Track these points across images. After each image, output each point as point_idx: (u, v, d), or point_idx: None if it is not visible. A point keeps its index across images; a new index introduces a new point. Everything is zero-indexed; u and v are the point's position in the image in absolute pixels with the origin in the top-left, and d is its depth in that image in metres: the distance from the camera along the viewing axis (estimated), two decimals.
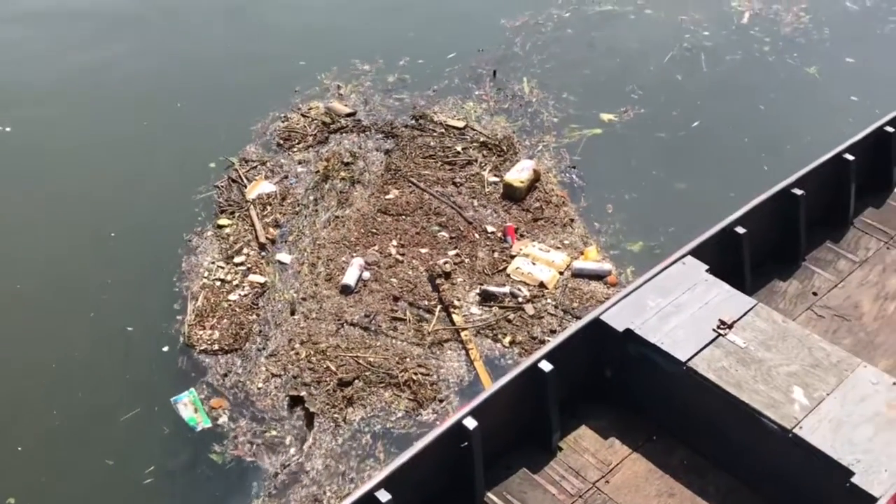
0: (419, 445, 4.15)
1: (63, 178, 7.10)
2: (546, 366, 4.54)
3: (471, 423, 4.24)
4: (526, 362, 4.59)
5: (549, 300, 6.16)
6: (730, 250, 5.36)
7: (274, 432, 5.31)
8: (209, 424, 5.28)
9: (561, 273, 6.35)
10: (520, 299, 6.14)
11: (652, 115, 7.88)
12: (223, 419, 5.35)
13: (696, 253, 5.16)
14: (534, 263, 6.37)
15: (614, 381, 4.88)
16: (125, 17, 9.11)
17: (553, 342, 4.71)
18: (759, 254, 5.53)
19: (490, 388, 4.51)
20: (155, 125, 7.63)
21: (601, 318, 4.77)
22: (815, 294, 5.62)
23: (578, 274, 6.35)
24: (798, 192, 5.63)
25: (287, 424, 5.36)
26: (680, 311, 4.80)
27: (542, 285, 6.25)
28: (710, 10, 9.35)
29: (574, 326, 4.81)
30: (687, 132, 7.73)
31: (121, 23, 9.02)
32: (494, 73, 8.28)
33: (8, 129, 7.60)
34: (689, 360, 4.56)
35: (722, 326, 4.72)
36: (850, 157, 5.92)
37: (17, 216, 6.75)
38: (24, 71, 8.29)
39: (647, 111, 7.92)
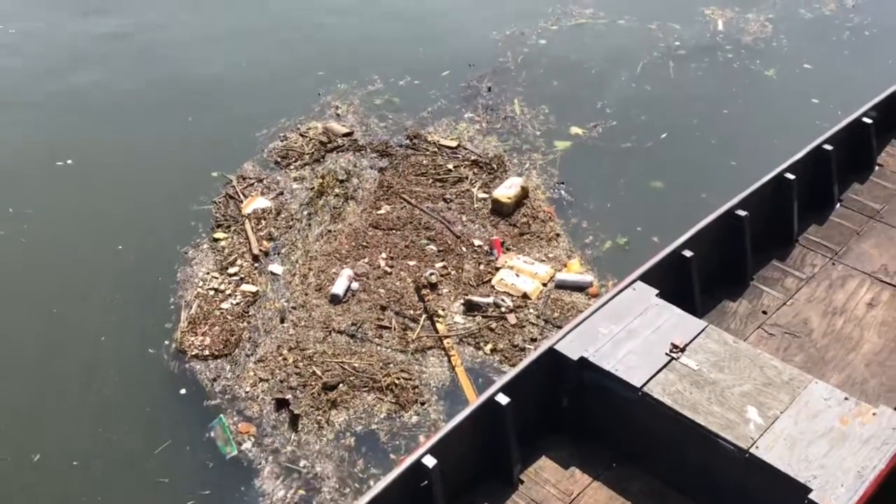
0: (379, 487, 4.11)
1: (69, 188, 7.40)
2: (503, 398, 4.53)
3: (430, 462, 4.23)
4: (482, 396, 4.59)
5: (531, 310, 6.33)
6: (678, 274, 5.43)
7: (268, 440, 5.47)
8: (235, 452, 5.36)
9: (544, 285, 6.53)
10: (503, 309, 6.31)
11: (622, 128, 8.12)
12: (247, 444, 5.42)
13: (646, 278, 5.20)
14: (518, 275, 6.55)
15: (572, 410, 4.88)
16: (127, 37, 9.51)
17: (508, 374, 4.72)
18: (707, 275, 5.60)
19: (447, 424, 4.49)
20: (159, 141, 7.93)
21: (555, 347, 4.78)
22: (764, 313, 5.68)
23: (561, 285, 6.53)
24: (742, 213, 5.71)
25: (274, 425, 5.54)
26: (632, 336, 4.84)
27: (525, 296, 6.42)
28: (682, 19, 9.76)
29: (529, 357, 4.82)
30: (655, 142, 7.95)
31: (125, 42, 9.41)
32: (489, 88, 8.54)
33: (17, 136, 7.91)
34: (643, 385, 4.59)
35: (674, 350, 4.76)
36: (791, 176, 6.02)
37: (24, 225, 7.02)
38: (30, 81, 8.63)
39: (619, 123, 8.18)
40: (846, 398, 4.57)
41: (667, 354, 4.74)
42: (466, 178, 7.55)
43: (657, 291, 5.11)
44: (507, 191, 7.21)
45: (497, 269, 6.66)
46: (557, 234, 6.99)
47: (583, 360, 4.72)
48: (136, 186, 7.40)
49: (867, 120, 6.73)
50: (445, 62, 9.01)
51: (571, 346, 4.78)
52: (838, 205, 6.50)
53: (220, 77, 8.86)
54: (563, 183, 7.50)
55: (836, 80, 8.78)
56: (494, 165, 7.66)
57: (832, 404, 4.52)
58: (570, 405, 4.88)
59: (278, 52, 9.28)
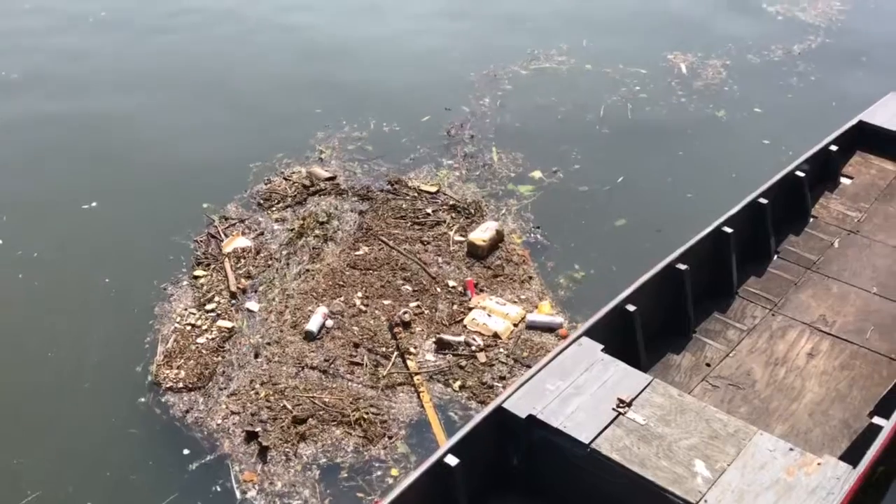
0: None
1: (58, 220, 7.62)
2: (452, 460, 4.54)
3: None
4: (431, 458, 4.58)
5: (501, 349, 6.46)
6: (623, 328, 5.51)
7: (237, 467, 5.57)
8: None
9: (515, 325, 6.66)
10: (473, 348, 6.44)
11: (584, 171, 8.41)
12: (251, 493, 5.42)
13: (591, 333, 5.28)
14: (490, 315, 6.69)
15: (522, 468, 4.89)
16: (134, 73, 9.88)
17: (457, 435, 4.71)
18: (651, 329, 5.70)
19: (396, 488, 4.47)
20: (144, 181, 8.14)
21: (503, 405, 4.81)
22: (708, 365, 5.77)
23: (531, 326, 6.66)
24: (682, 266, 5.83)
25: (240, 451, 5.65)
26: (580, 392, 4.88)
27: (496, 335, 6.55)
28: (647, 64, 10.24)
29: (477, 417, 4.84)
30: (613, 186, 8.22)
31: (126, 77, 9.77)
32: (472, 136, 8.81)
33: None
34: (592, 441, 4.62)
35: (621, 405, 4.81)
36: (728, 229, 6.16)
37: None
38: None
39: (581, 167, 8.48)
40: (791, 449, 4.65)
41: (614, 410, 4.79)
42: (444, 221, 7.73)
43: (602, 346, 5.18)
44: (482, 234, 7.38)
45: (470, 309, 6.79)
46: (530, 277, 7.15)
47: (531, 417, 4.74)
48: (119, 224, 7.57)
49: (800, 173, 6.92)
50: (425, 107, 9.31)
51: (519, 404, 4.81)
52: (776, 257, 6.66)
53: (204, 121, 9.11)
54: (538, 227, 7.68)
55: (785, 123, 9.15)
56: (472, 210, 7.84)
57: (777, 455, 4.58)
58: (519, 464, 4.89)
59: (266, 97, 9.55)
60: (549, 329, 6.64)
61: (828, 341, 5.97)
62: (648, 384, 4.95)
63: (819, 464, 4.55)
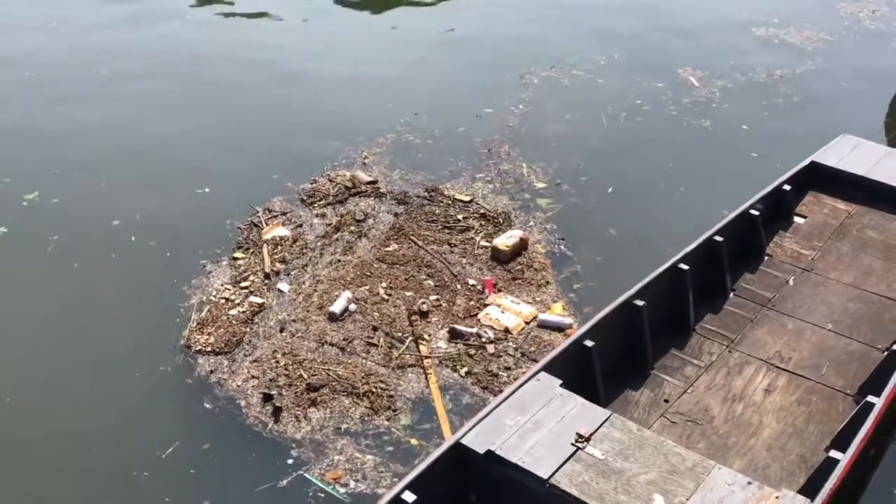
0: None
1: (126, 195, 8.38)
2: (409, 496, 4.51)
3: None
4: (387, 495, 4.54)
5: (510, 343, 6.82)
6: (581, 364, 5.55)
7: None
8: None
9: (527, 322, 7.02)
10: (484, 339, 6.82)
11: (611, 187, 8.81)
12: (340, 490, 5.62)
13: (549, 368, 5.31)
14: (503, 312, 7.07)
15: None
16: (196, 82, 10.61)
17: (414, 471, 4.67)
18: (609, 365, 5.73)
19: None
20: (204, 172, 8.82)
21: (461, 441, 4.80)
22: (666, 401, 5.80)
23: (543, 325, 7.01)
24: (639, 302, 5.89)
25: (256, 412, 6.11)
26: (538, 427, 4.88)
27: (507, 330, 6.92)
28: (663, 78, 10.89)
29: (435, 453, 4.81)
30: (641, 201, 8.63)
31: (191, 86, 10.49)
32: (508, 153, 9.26)
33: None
34: (551, 476, 4.63)
35: (580, 440, 4.82)
36: (684, 266, 6.24)
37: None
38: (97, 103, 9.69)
39: (612, 182, 8.91)
40: (749, 482, 4.67)
41: (572, 444, 4.81)
42: (473, 228, 8.15)
43: (561, 382, 5.21)
44: (506, 240, 7.78)
45: (486, 305, 7.18)
46: (547, 282, 7.50)
47: (489, 453, 4.75)
48: (171, 206, 8.21)
49: (754, 212, 7.03)
50: (462, 118, 9.99)
51: (477, 440, 4.81)
52: (732, 294, 6.70)
53: (265, 122, 9.78)
54: (562, 239, 8.04)
55: (770, 139, 9.66)
56: (501, 220, 8.25)
57: (736, 489, 4.61)
58: (478, 500, 4.92)
59: (323, 105, 10.27)
60: (559, 328, 6.97)
61: (784, 377, 6.03)
62: (607, 419, 4.98)
63: (777, 497, 4.58)
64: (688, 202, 8.56)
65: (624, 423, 4.99)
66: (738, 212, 7.03)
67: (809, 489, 4.91)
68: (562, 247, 7.97)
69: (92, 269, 7.42)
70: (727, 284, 6.72)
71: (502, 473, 4.75)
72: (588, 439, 4.85)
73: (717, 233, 6.68)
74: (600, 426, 4.93)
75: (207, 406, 6.17)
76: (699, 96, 10.61)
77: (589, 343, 5.57)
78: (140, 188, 8.50)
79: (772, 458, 5.46)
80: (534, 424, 4.92)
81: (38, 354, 6.58)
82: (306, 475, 5.65)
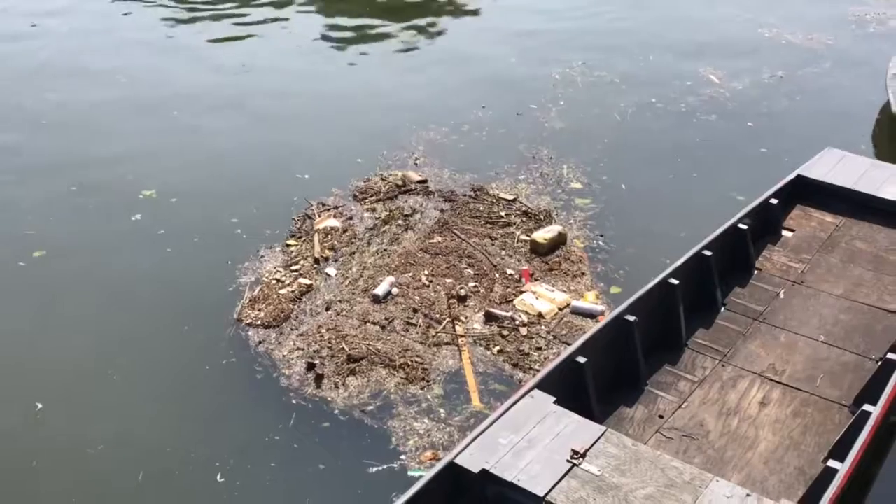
0: None
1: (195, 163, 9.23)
2: None
3: None
4: None
5: (543, 327, 7.15)
6: (574, 381, 5.53)
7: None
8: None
9: (560, 309, 7.34)
10: (517, 322, 7.16)
11: (649, 185, 9.24)
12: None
13: (543, 386, 5.29)
14: (538, 298, 7.41)
15: None
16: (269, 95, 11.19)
17: (409, 491, 4.62)
18: (602, 382, 5.73)
19: None
20: (265, 166, 9.49)
21: (455, 461, 4.76)
22: (660, 417, 5.77)
23: (575, 311, 7.32)
24: (631, 318, 5.90)
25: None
26: (533, 445, 4.85)
27: (540, 315, 7.25)
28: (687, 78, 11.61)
29: (429, 473, 4.75)
30: (677, 200, 9.00)
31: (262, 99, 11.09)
32: (552, 158, 9.63)
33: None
34: (547, 493, 4.59)
35: (575, 456, 4.79)
36: (674, 281, 6.27)
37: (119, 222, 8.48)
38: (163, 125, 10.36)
39: (649, 181, 9.34)
40: (748, 494, 4.66)
41: (568, 461, 4.78)
42: (514, 223, 8.52)
43: (554, 399, 5.20)
44: (545, 233, 8.13)
45: (521, 292, 7.53)
46: (583, 273, 7.82)
47: (484, 472, 4.71)
48: (235, 199, 8.79)
49: (742, 226, 7.08)
50: (504, 120, 10.58)
51: (472, 459, 4.77)
52: (722, 308, 6.73)
53: (322, 127, 10.37)
54: (601, 235, 8.36)
55: (777, 135, 10.19)
56: (542, 217, 8.61)
57: (735, 502, 4.60)
58: None
59: (376, 111, 10.85)
60: (591, 315, 7.28)
61: (779, 390, 6.02)
62: (602, 435, 4.95)
63: None
64: (725, 199, 8.84)
65: (619, 439, 4.97)
66: (725, 226, 7.03)
67: (809, 500, 4.97)
68: (600, 242, 8.28)
69: (180, 252, 8.07)
70: (718, 299, 6.74)
71: (498, 492, 4.72)
72: (584, 455, 4.82)
73: (705, 247, 6.71)
74: (595, 442, 4.90)
75: (259, 376, 6.62)
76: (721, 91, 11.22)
77: (581, 359, 5.56)
78: (228, 187, 9.18)
79: (770, 471, 5.42)
80: (528, 442, 4.89)
81: (119, 315, 7.26)
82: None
